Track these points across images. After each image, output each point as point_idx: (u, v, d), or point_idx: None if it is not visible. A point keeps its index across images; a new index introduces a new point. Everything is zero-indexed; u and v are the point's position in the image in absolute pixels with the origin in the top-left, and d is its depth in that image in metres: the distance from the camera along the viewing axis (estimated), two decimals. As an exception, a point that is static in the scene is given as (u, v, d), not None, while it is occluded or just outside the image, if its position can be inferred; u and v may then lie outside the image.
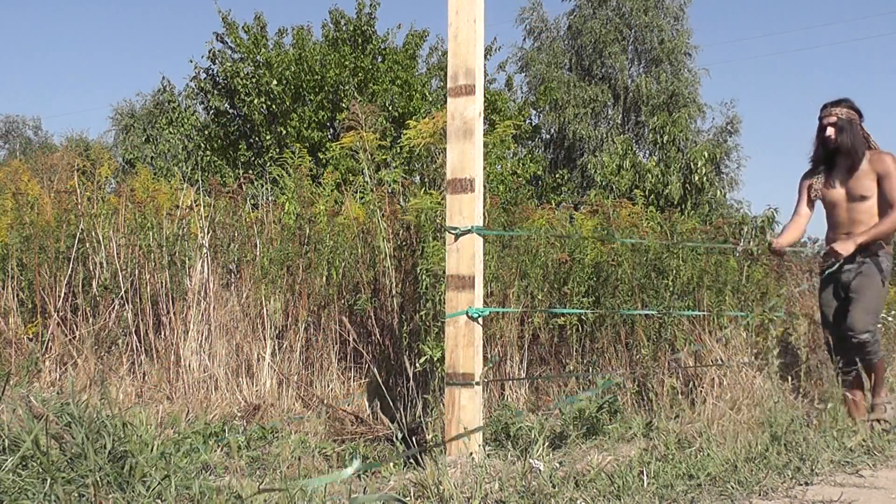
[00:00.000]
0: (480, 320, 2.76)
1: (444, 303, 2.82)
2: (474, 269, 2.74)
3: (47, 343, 4.36)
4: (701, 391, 3.92)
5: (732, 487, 2.48)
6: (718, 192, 17.48)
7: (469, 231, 2.73)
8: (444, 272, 3.24)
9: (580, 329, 4.60)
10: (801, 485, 2.62)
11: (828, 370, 3.97)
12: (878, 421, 3.67)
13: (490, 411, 3.89)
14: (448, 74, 2.81)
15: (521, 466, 2.56)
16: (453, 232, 2.75)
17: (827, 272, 3.82)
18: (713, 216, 14.99)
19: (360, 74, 12.11)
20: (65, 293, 4.54)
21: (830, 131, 3.67)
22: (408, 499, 2.29)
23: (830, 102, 3.73)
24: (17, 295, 4.64)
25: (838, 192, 3.75)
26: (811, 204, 3.90)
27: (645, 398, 4.25)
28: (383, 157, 5.28)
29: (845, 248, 3.63)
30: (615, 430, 3.35)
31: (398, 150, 9.26)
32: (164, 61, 48.41)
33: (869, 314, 3.65)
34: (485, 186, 3.44)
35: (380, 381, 4.03)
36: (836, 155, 3.71)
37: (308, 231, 4.66)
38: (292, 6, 41.90)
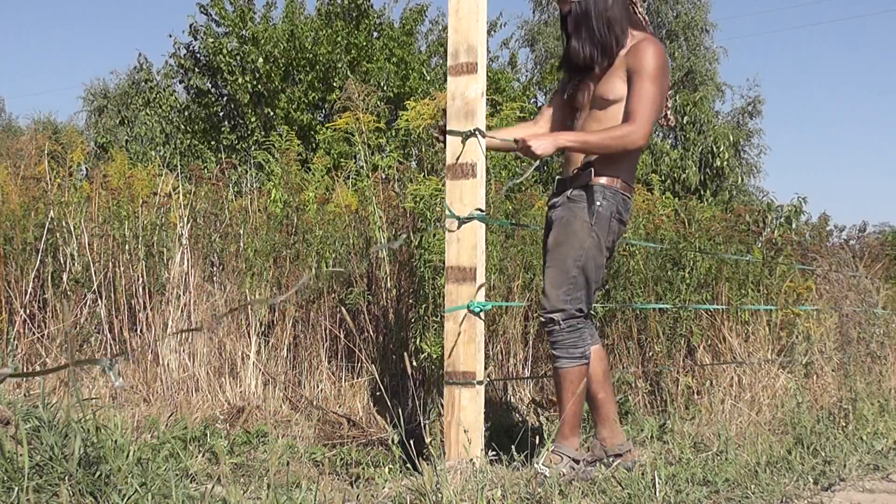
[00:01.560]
0: (482, 315, 2.76)
1: (444, 296, 2.82)
2: (476, 261, 2.73)
3: (13, 341, 4.36)
4: (719, 391, 3.92)
5: (752, 494, 2.48)
6: (740, 179, 17.49)
7: (470, 219, 2.72)
8: (443, 263, 3.24)
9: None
10: (827, 490, 2.62)
11: (857, 366, 3.96)
12: (535, 475, 2.47)
13: (492, 413, 3.89)
14: (448, 51, 2.80)
15: (526, 472, 2.56)
16: (453, 220, 2.74)
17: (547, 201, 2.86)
18: (734, 203, 14.99)
19: (353, 52, 12.06)
20: (32, 287, 4.54)
21: (571, 24, 2.75)
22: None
23: None
24: (-17, 289, 4.64)
25: (583, 93, 2.81)
26: (564, 111, 2.92)
27: (658, 398, 4.26)
28: (378, 140, 5.26)
29: (541, 144, 2.63)
30: (627, 433, 3.35)
31: (393, 133, 9.23)
32: (140, 36, 48.25)
33: (562, 284, 2.67)
34: (488, 171, 3.42)
35: (376, 380, 4.03)
36: (579, 59, 2.74)
37: (296, 220, 4.65)
38: (279, -23, 41.76)
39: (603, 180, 2.71)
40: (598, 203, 2.69)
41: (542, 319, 2.74)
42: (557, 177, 2.85)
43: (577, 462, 2.72)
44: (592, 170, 2.69)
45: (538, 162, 2.77)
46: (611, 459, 2.78)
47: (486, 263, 2.82)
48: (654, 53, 2.68)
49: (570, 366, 2.70)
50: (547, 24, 22.48)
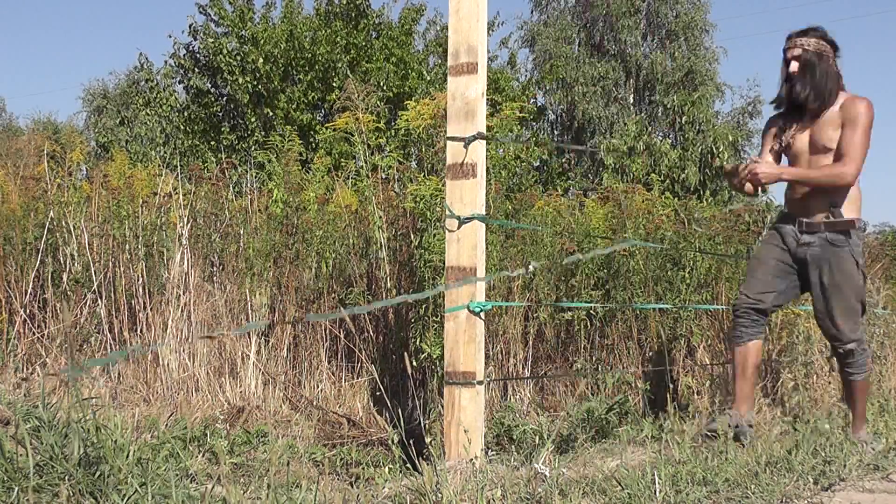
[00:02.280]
0: (483, 315, 2.76)
1: (444, 296, 2.82)
2: (476, 261, 2.73)
3: (13, 341, 4.36)
4: (720, 390, 3.92)
5: (752, 494, 2.48)
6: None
7: (471, 219, 2.72)
8: (443, 263, 3.23)
9: (589, 324, 4.60)
10: (827, 490, 2.62)
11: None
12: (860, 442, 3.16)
13: (492, 413, 3.89)
14: (448, 52, 2.80)
15: (526, 472, 2.56)
16: (454, 220, 2.74)
17: (778, 219, 3.31)
18: (734, 203, 14.98)
19: (352, 52, 12.06)
20: (32, 287, 4.54)
21: (794, 66, 3.17)
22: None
23: (797, 31, 3.21)
24: (-18, 289, 4.63)
25: (802, 141, 3.25)
26: (777, 157, 3.36)
27: (658, 398, 4.26)
28: (378, 140, 5.26)
29: (767, 169, 3.13)
30: (626, 433, 3.35)
31: (393, 133, 9.23)
32: (139, 37, 48.26)
33: (850, 318, 3.17)
34: (487, 171, 3.42)
35: (376, 380, 4.03)
36: (800, 97, 3.17)
37: (296, 220, 4.65)
38: (279, -23, 41.69)
39: (855, 224, 3.19)
40: (859, 245, 3.20)
41: (840, 351, 3.22)
42: (803, 220, 3.22)
43: (867, 443, 3.23)
44: (854, 220, 3.17)
45: (759, 193, 3.28)
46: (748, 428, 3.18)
47: (485, 263, 2.82)
48: (867, 107, 3.16)
49: (862, 378, 3.27)
50: (546, 25, 22.47)
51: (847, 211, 3.18)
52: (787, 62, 3.22)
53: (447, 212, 2.76)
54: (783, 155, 3.35)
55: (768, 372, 3.93)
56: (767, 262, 3.29)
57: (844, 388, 3.40)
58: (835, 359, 3.50)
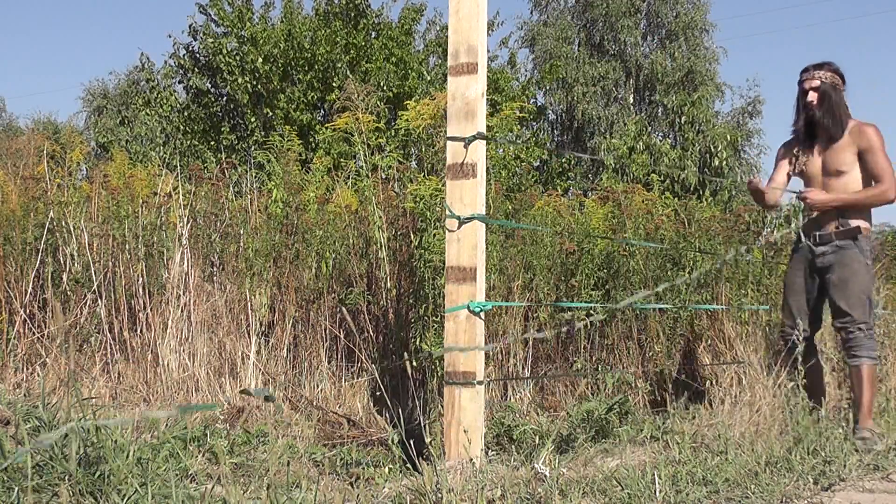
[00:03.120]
0: (482, 315, 2.76)
1: (444, 296, 2.82)
2: (476, 261, 2.73)
3: (13, 341, 4.36)
4: (719, 391, 3.92)
5: (752, 494, 2.48)
6: (739, 178, 17.47)
7: (471, 219, 2.73)
8: (443, 263, 3.23)
9: (588, 325, 4.60)
10: (827, 490, 2.62)
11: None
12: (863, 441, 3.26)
13: (492, 413, 3.89)
14: (448, 52, 2.80)
15: (526, 472, 2.56)
16: (454, 220, 2.74)
17: (797, 240, 3.62)
18: (734, 204, 14.98)
19: (352, 52, 12.06)
20: (32, 287, 4.54)
21: (812, 96, 3.52)
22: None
23: (813, 65, 3.57)
24: (-18, 290, 4.63)
25: (814, 165, 3.59)
26: (788, 179, 3.72)
27: (658, 398, 4.26)
28: (378, 140, 5.26)
29: (819, 196, 3.49)
30: (626, 433, 3.35)
31: (393, 133, 9.23)
32: (139, 37, 48.25)
33: (858, 306, 3.43)
34: (487, 171, 3.43)
35: (376, 380, 4.03)
36: (816, 124, 3.54)
37: (296, 220, 4.65)
38: (279, -23, 41.67)
39: (863, 231, 3.51)
40: (867, 248, 3.52)
41: (849, 330, 3.42)
42: (817, 234, 3.55)
43: (868, 439, 3.31)
44: (860, 226, 3.49)
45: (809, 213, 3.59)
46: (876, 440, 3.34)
47: (485, 263, 2.82)
48: (876, 131, 3.50)
49: (869, 364, 3.40)
50: (546, 25, 22.48)
51: (855, 219, 3.51)
52: (804, 93, 3.55)
53: (447, 212, 2.76)
54: (793, 177, 3.70)
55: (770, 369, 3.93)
56: (795, 288, 3.63)
57: (851, 378, 3.50)
58: (834, 360, 3.57)
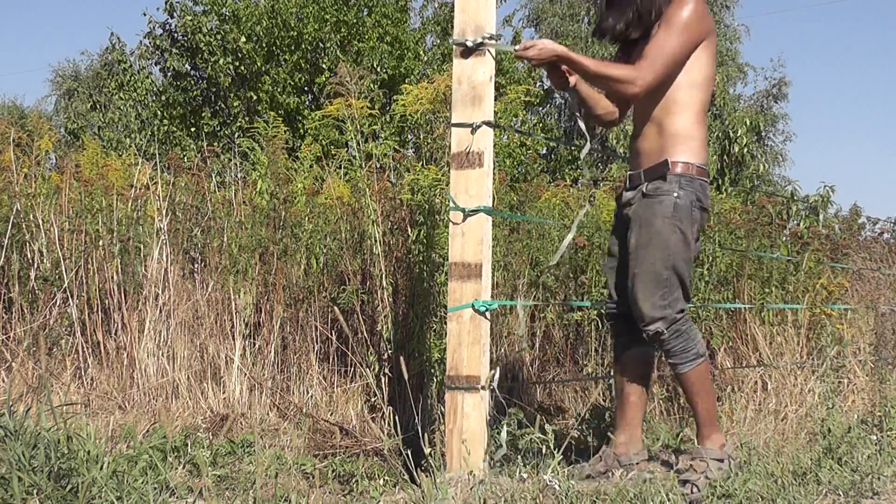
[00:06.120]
0: (488, 315, 2.76)
1: (445, 294, 2.82)
2: (482, 256, 2.74)
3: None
4: (742, 396, 3.92)
5: (779, 508, 2.48)
6: (762, 167, 17.47)
7: (476, 212, 2.73)
8: (444, 259, 3.22)
9: (600, 325, 4.60)
10: (859, 504, 2.62)
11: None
12: (684, 485, 2.64)
13: (496, 419, 3.89)
14: (454, 32, 2.80)
15: (533, 485, 2.56)
16: (458, 213, 2.75)
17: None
18: (756, 194, 14.99)
19: (342, 30, 12.02)
20: (-2, 286, 4.53)
21: None
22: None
23: None
24: (-57, 288, 4.63)
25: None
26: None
27: (675, 405, 4.26)
28: (372, 127, 5.26)
29: (538, 49, 2.66)
30: (642, 442, 3.34)
31: (388, 119, 9.22)
32: (113, 14, 48.10)
33: (655, 291, 2.65)
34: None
35: (371, 386, 4.03)
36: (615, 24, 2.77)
37: (284, 213, 4.64)
38: (263, -50, 41.55)
39: (678, 168, 2.66)
40: (676, 194, 2.64)
41: (647, 332, 2.72)
42: (628, 172, 2.83)
43: (723, 461, 2.74)
44: (668, 160, 2.66)
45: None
46: (622, 470, 2.83)
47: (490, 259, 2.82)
48: (683, 4, 2.63)
49: (688, 369, 2.73)
50: (552, 2, 22.45)
51: (677, 153, 2.68)
52: None
53: (451, 203, 2.76)
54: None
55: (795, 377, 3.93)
56: (611, 251, 2.92)
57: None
58: (869, 363, 3.43)
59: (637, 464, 2.87)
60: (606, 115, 2.95)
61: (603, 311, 2.99)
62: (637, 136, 2.82)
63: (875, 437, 3.29)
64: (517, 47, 2.75)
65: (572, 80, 2.83)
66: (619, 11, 2.75)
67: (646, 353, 2.91)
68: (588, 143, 2.97)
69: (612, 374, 3.06)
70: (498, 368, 2.76)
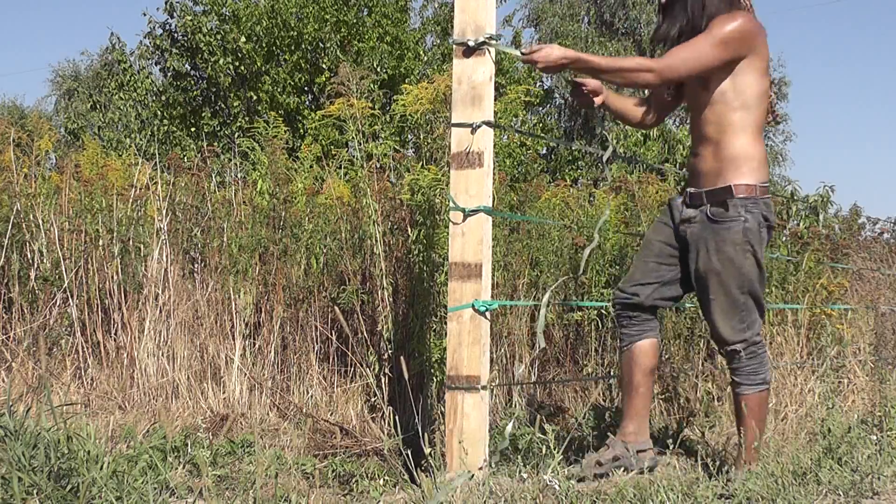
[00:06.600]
0: (488, 315, 2.76)
1: (445, 294, 2.82)
2: (482, 256, 2.74)
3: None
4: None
5: (779, 508, 2.48)
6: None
7: (477, 212, 2.73)
8: (444, 259, 3.21)
9: (600, 325, 4.60)
10: (859, 504, 2.62)
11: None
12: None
13: (496, 421, 3.89)
14: (454, 31, 2.80)
15: (533, 485, 2.56)
16: (458, 213, 2.75)
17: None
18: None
19: (342, 30, 12.02)
20: (-3, 286, 4.53)
21: None
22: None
23: None
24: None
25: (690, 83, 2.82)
26: (675, 98, 2.98)
27: (675, 405, 4.26)
28: (373, 127, 5.25)
29: (549, 52, 2.68)
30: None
31: (388, 119, 9.22)
32: (113, 14, 48.10)
33: (733, 315, 2.72)
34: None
35: (371, 385, 4.03)
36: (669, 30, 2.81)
37: (284, 213, 4.64)
38: (263, -50, 41.51)
39: (742, 192, 2.68)
40: (744, 219, 2.67)
41: (723, 352, 2.80)
42: (688, 189, 2.82)
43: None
44: (731, 185, 2.68)
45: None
46: (633, 458, 2.85)
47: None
48: (728, 20, 2.65)
49: (750, 392, 2.78)
50: (552, 2, 22.47)
51: (737, 175, 2.68)
52: None
53: (451, 203, 2.76)
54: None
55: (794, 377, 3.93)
56: (650, 247, 2.90)
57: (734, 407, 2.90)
58: (869, 363, 3.42)
59: (646, 451, 2.89)
60: (643, 122, 3.03)
61: (612, 299, 2.98)
62: (695, 156, 2.83)
63: (875, 437, 3.29)
64: (523, 50, 2.77)
65: (598, 100, 2.93)
66: (672, 18, 2.79)
67: (655, 345, 2.93)
68: (612, 148, 3.02)
69: (618, 366, 3.08)
70: (525, 364, 2.78)
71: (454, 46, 2.80)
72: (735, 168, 2.69)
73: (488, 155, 2.76)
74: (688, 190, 2.81)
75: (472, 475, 2.59)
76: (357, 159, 4.50)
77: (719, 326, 2.74)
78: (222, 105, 12.52)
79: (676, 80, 2.75)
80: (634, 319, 2.91)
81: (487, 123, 2.76)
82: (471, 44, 2.72)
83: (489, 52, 2.76)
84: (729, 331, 2.73)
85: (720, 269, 2.69)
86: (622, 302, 2.92)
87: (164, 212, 4.46)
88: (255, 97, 11.88)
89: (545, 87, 14.20)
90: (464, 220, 2.75)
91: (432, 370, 3.80)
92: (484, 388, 2.73)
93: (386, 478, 3.16)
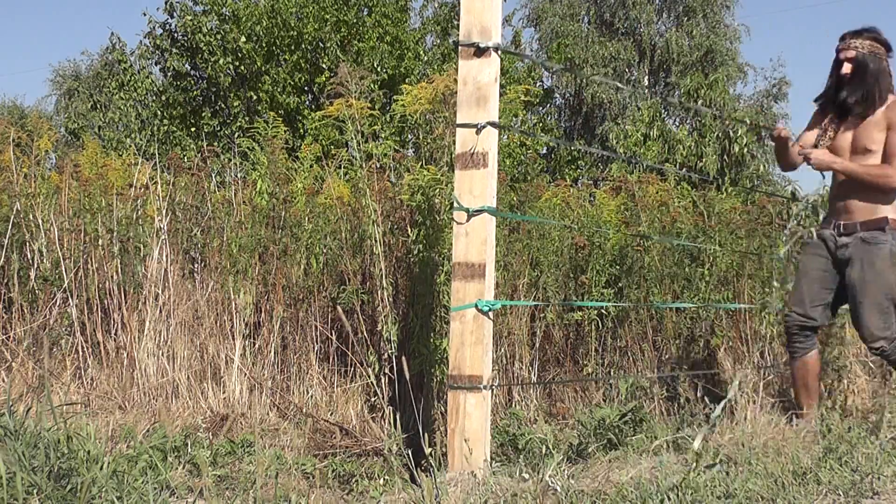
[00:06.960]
0: (491, 314, 2.76)
1: (445, 294, 2.82)
2: (485, 256, 2.74)
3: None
4: (741, 396, 3.92)
5: (779, 508, 2.48)
6: (762, 167, 17.46)
7: (480, 212, 2.73)
8: (445, 259, 3.21)
9: (600, 325, 4.60)
10: (859, 504, 2.61)
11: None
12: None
13: (497, 420, 3.89)
14: (460, 33, 2.80)
15: (534, 484, 2.56)
16: (462, 213, 2.75)
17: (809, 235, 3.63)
18: (756, 194, 14.96)
19: (342, 30, 12.02)
20: (-3, 286, 4.53)
21: (847, 68, 3.43)
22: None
23: (851, 32, 3.47)
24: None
25: (845, 140, 3.51)
26: (818, 141, 3.60)
27: (676, 405, 4.26)
28: (373, 127, 5.25)
29: (821, 156, 3.46)
30: (640, 442, 3.34)
31: (388, 119, 9.21)
32: (113, 14, 48.09)
33: (882, 313, 3.40)
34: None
35: (371, 385, 4.03)
36: (849, 102, 3.45)
37: (284, 213, 4.64)
38: (263, -50, 41.48)
39: (891, 224, 3.43)
40: (891, 244, 3.42)
41: (873, 348, 3.44)
42: (840, 222, 3.50)
43: None
44: (887, 217, 3.41)
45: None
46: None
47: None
48: None
49: None
50: (552, 2, 22.46)
51: (886, 210, 3.44)
52: (839, 63, 3.49)
53: (455, 203, 2.76)
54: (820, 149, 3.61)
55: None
56: (811, 274, 3.57)
57: None
58: (870, 363, 3.57)
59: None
60: (791, 165, 3.72)
61: (784, 321, 3.63)
62: (846, 195, 3.51)
63: (875, 437, 3.29)
64: (777, 133, 3.63)
65: (799, 160, 3.60)
66: (854, 88, 3.43)
67: (818, 354, 3.62)
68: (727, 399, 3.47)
69: (788, 370, 3.71)
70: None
71: (460, 48, 2.80)
72: (886, 204, 3.45)
73: (492, 155, 2.76)
74: (839, 223, 3.51)
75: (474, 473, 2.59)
76: (357, 159, 4.50)
77: (866, 324, 3.38)
78: (222, 105, 12.52)
79: None
80: (806, 336, 3.55)
81: (492, 124, 2.76)
82: (489, 49, 2.76)
83: (495, 54, 2.76)
84: (874, 329, 3.37)
85: (871, 278, 3.39)
86: (800, 324, 3.54)
87: (163, 211, 4.46)
88: (255, 97, 11.88)
89: (545, 87, 14.19)
90: (468, 221, 2.75)
91: (432, 370, 3.80)
92: (486, 387, 2.73)
93: (386, 478, 3.16)
